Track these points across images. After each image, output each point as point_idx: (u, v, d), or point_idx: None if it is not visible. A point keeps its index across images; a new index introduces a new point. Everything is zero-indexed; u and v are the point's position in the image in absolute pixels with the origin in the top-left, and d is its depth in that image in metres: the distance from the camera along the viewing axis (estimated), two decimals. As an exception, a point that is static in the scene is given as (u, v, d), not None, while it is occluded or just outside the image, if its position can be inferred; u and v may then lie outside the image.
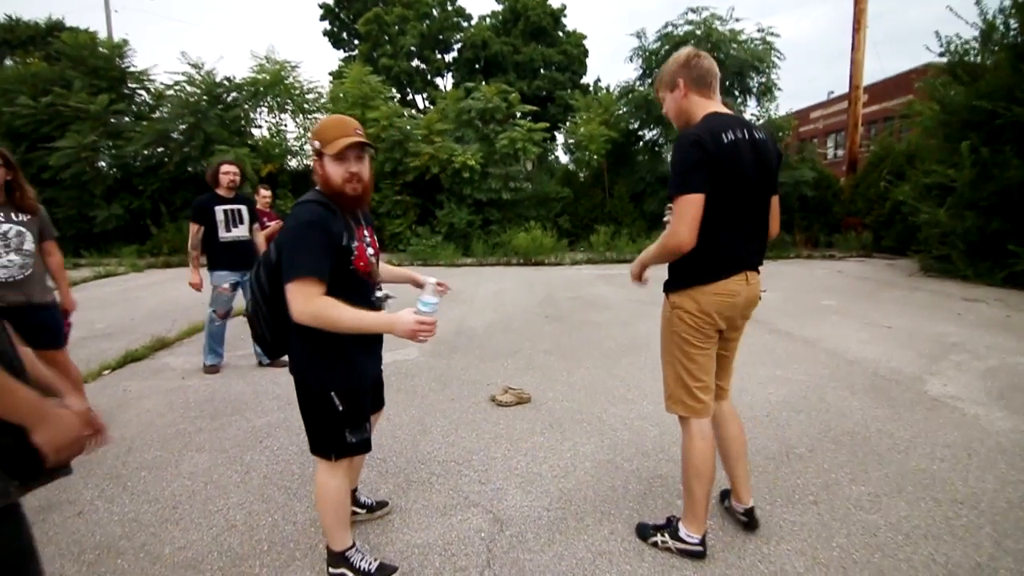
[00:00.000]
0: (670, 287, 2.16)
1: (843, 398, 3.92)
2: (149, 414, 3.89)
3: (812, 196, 14.72)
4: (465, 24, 28.67)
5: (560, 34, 28.89)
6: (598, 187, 16.64)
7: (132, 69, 16.11)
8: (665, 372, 2.26)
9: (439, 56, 28.52)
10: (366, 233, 1.97)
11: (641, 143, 17.35)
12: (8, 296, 2.99)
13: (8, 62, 17.94)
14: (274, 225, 5.54)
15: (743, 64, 15.27)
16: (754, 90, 16.05)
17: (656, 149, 17.02)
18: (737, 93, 16.09)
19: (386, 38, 26.91)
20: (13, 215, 3.06)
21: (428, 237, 14.35)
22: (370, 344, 2.03)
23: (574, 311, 7.20)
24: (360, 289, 1.90)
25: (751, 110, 16.17)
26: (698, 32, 15.49)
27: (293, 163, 16.46)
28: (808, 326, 6.10)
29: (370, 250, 1.96)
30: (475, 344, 5.60)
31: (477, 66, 26.86)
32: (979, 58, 9.82)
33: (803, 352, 5.10)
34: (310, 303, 1.69)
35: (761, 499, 2.59)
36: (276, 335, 1.97)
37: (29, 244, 3.09)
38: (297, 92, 16.22)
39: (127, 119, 15.36)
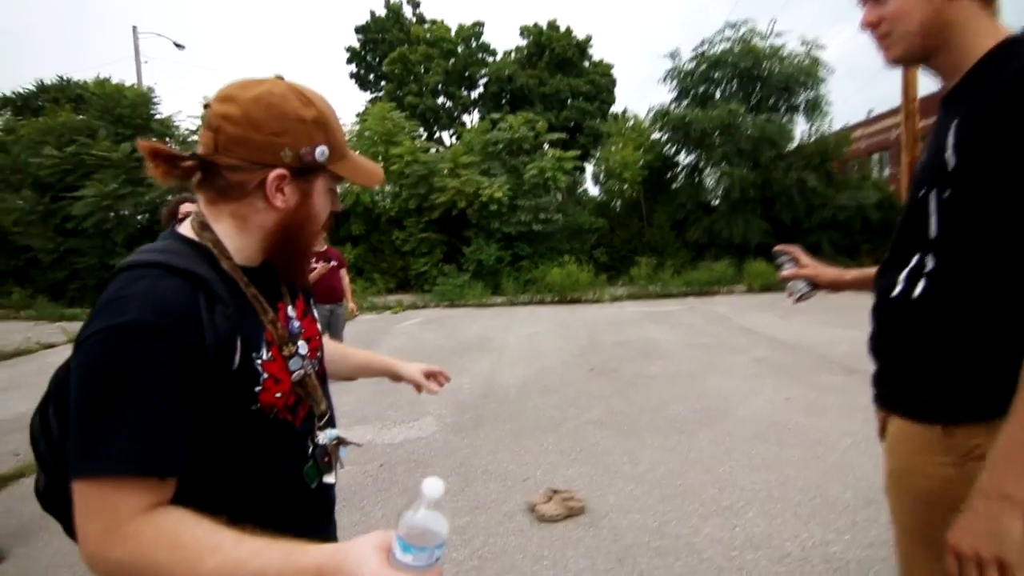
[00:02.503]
0: (951, 406, 1.01)
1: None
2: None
3: (877, 218, 13.30)
4: (490, 59, 28.48)
5: (586, 64, 28.38)
6: (635, 216, 15.58)
7: (158, 116, 16.05)
8: None
9: (465, 92, 28.29)
10: (292, 313, 0.92)
11: (679, 168, 16.31)
12: None
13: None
14: (321, 267, 4.66)
15: (789, 80, 14.21)
16: (801, 107, 14.90)
17: (695, 174, 15.91)
18: (783, 111, 14.97)
19: (411, 77, 26.84)
20: None
21: (455, 276, 13.44)
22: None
23: (623, 361, 6.03)
24: (277, 446, 0.86)
25: (800, 128, 14.99)
26: (737, 48, 14.52)
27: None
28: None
29: (301, 347, 0.90)
30: (506, 412, 4.49)
31: (503, 100, 26.44)
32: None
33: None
34: (116, 536, 0.66)
35: None
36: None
37: None
38: (319, 131, 15.82)
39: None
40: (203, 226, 0.82)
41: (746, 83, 15.19)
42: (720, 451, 3.49)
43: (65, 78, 19.31)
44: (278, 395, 0.83)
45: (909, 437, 1.14)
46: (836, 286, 1.50)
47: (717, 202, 14.92)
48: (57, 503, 0.83)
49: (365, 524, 2.79)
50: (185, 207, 3.56)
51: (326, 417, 0.95)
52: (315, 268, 4.71)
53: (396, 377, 1.35)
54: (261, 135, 0.77)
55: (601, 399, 4.70)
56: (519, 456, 3.57)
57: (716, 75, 15.37)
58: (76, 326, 10.40)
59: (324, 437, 0.93)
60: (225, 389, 0.75)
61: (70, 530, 0.77)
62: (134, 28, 19.15)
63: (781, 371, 5.29)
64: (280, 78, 0.84)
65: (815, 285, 1.50)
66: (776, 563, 2.31)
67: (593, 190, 20.54)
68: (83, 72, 44.82)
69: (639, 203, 15.58)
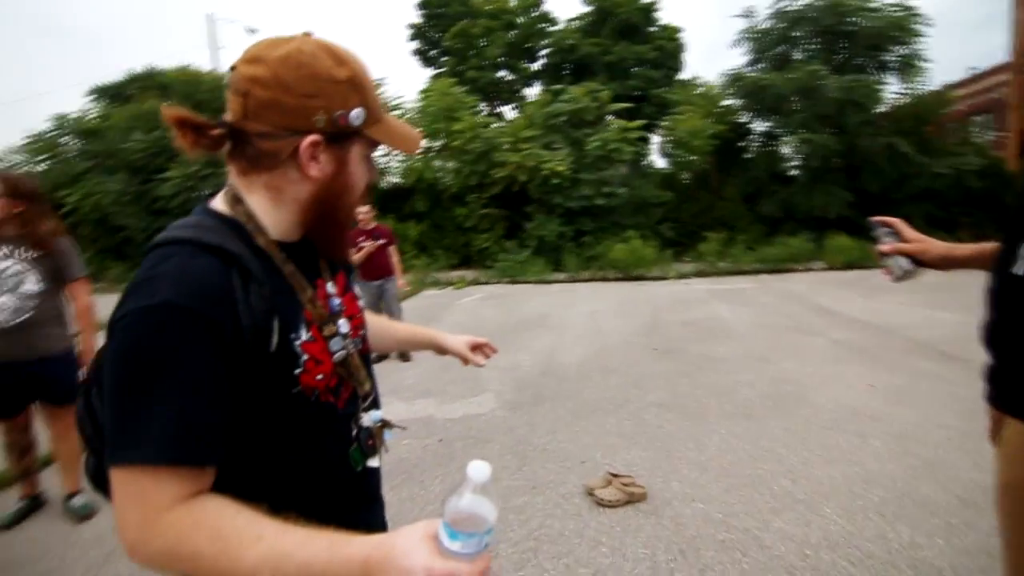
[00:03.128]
0: None
1: None
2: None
3: (979, 188, 12.01)
4: (552, 29, 27.77)
5: (652, 30, 27.13)
6: (704, 189, 14.88)
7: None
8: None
9: (526, 64, 27.80)
10: (332, 289, 0.87)
11: (752, 136, 15.36)
12: (1, 346, 2.46)
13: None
14: (369, 246, 4.78)
15: (879, 35, 12.95)
16: (893, 65, 13.57)
17: (771, 143, 14.93)
18: (872, 70, 13.71)
19: (472, 51, 26.64)
20: (20, 251, 2.52)
21: (516, 252, 13.37)
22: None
23: (689, 341, 5.79)
24: (320, 429, 0.82)
25: (891, 88, 13.67)
26: (819, 2, 13.35)
27: (383, 184, 16.25)
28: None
29: (343, 325, 0.86)
30: (566, 391, 4.41)
31: (565, 71, 25.78)
32: None
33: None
34: (156, 526, 0.63)
35: None
36: None
37: (30, 285, 2.53)
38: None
39: (228, 147, 15.99)
40: (236, 199, 0.78)
41: (830, 41, 13.99)
42: (794, 440, 3.27)
43: (151, 67, 20.56)
44: (319, 377, 0.79)
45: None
46: (946, 263, 1.29)
47: (795, 172, 13.94)
48: (106, 483, 0.77)
49: (424, 498, 2.82)
50: None
51: (370, 398, 0.90)
52: (363, 246, 4.78)
53: (441, 350, 1.30)
54: (292, 98, 0.71)
55: (665, 380, 4.54)
56: (578, 437, 3.50)
57: (796, 34, 14.24)
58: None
59: (368, 419, 0.89)
60: (263, 372, 0.72)
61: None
62: (209, 16, 19.99)
63: (864, 355, 4.91)
64: (308, 35, 0.77)
65: (919, 262, 1.30)
66: (856, 565, 2.13)
67: (660, 162, 19.81)
68: (167, 60, 47.58)
69: (709, 175, 14.84)
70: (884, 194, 12.63)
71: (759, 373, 4.57)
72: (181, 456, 0.64)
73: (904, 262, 1.28)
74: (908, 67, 13.37)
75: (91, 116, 17.33)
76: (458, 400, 4.27)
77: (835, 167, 12.83)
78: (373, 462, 0.90)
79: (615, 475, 2.82)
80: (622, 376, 4.71)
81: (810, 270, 11.09)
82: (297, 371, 0.75)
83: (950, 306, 6.46)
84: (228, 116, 0.75)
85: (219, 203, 0.80)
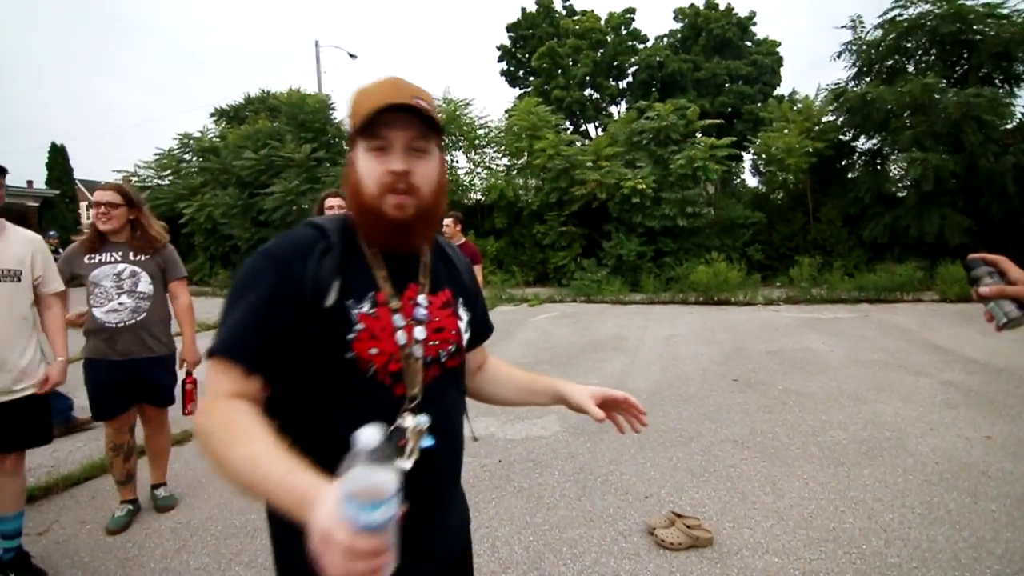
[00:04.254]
0: None
1: None
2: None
3: None
4: (640, 47, 27.50)
5: (748, 44, 26.16)
6: (799, 210, 13.96)
7: (335, 120, 18.00)
8: None
9: (613, 83, 27.68)
10: (422, 300, 0.97)
11: (856, 155, 14.27)
12: (118, 344, 2.69)
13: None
14: None
15: (1008, 44, 11.65)
16: (1024, 75, 12.16)
17: (876, 161, 13.79)
18: (999, 82, 12.36)
19: (559, 70, 26.91)
20: (131, 255, 2.78)
21: (593, 270, 13.18)
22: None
23: (774, 374, 5.39)
24: (369, 406, 0.88)
25: (1022, 102, 12.24)
26: (938, 10, 12.25)
27: (464, 201, 16.67)
28: None
29: (419, 332, 0.94)
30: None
31: (653, 88, 25.39)
32: None
33: None
34: (208, 407, 0.82)
35: None
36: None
37: (145, 286, 2.79)
38: (468, 128, 16.48)
39: (326, 164, 17.03)
40: None
41: (949, 52, 12.76)
42: (889, 494, 2.92)
43: (265, 91, 22.50)
44: (373, 351, 0.88)
45: None
46: None
47: (903, 194, 12.75)
48: None
49: (477, 520, 2.77)
50: (329, 201, 3.86)
51: (415, 402, 0.92)
52: None
53: (568, 405, 1.17)
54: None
55: (744, 415, 4.24)
56: (643, 470, 3.33)
57: (908, 44, 13.13)
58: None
59: (412, 420, 0.91)
60: (318, 325, 0.86)
61: None
62: (316, 42, 21.57)
63: (981, 401, 4.34)
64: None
65: None
66: (960, 651, 1.84)
67: (752, 181, 18.89)
68: (280, 84, 51.83)
69: (805, 195, 13.93)
70: (1011, 219, 11.25)
71: (852, 414, 4.15)
72: (230, 353, 0.84)
73: (1011, 307, 1.08)
74: (1043, 79, 11.91)
75: (210, 135, 19.17)
76: (522, 420, 4.22)
77: (951, 189, 11.60)
78: (402, 462, 0.89)
79: (679, 515, 2.64)
80: (696, 407, 4.46)
81: (919, 301, 10.05)
82: (350, 336, 0.87)
83: (1094, 350, 5.59)
84: None
85: None
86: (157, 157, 18.62)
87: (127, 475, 2.85)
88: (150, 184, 18.70)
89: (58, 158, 28.82)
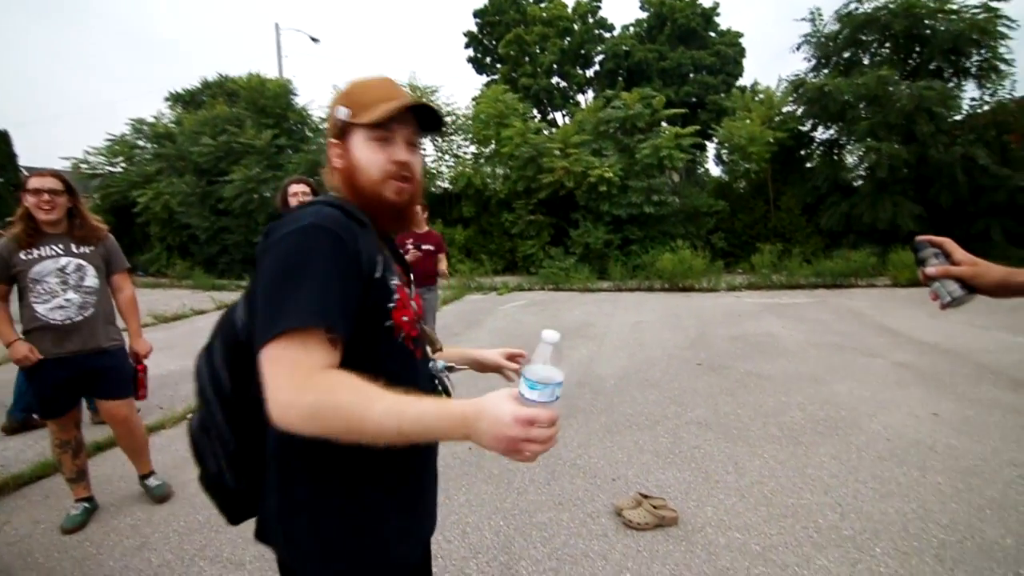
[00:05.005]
0: None
1: None
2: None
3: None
4: (607, 36, 27.55)
5: (712, 35, 26.48)
6: (760, 199, 14.32)
7: (298, 106, 17.50)
8: None
9: (580, 71, 27.69)
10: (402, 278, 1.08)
11: (814, 145, 14.68)
12: (66, 342, 2.56)
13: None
14: (411, 255, 4.72)
15: (958, 39, 12.12)
16: (973, 70, 12.68)
17: (833, 151, 14.23)
18: (947, 76, 12.86)
19: (526, 58, 26.75)
20: (73, 247, 2.62)
21: (561, 259, 13.26)
22: (418, 489, 1.04)
23: (736, 357, 5.54)
24: (408, 369, 0.99)
25: (970, 95, 12.77)
26: (892, 5, 12.64)
27: (432, 189, 16.49)
28: None
29: (413, 304, 1.05)
30: (601, 404, 4.30)
31: (619, 77, 25.50)
32: None
33: None
34: (307, 383, 0.78)
35: None
36: (246, 475, 1.00)
37: (91, 279, 2.66)
38: (435, 115, 16.28)
39: (288, 151, 16.57)
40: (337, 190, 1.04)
41: (902, 46, 13.20)
42: (844, 470, 3.05)
43: (224, 75, 21.67)
44: (405, 318, 0.96)
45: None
46: (1003, 291, 1.13)
47: (859, 183, 13.20)
48: (203, 434, 0.99)
49: (447, 507, 2.78)
50: (293, 188, 3.76)
51: (434, 350, 1.15)
52: (408, 249, 4.78)
53: (480, 366, 1.33)
54: (335, 105, 1.00)
55: (707, 398, 4.35)
56: (610, 453, 3.39)
57: (864, 37, 13.53)
58: (225, 295, 11.65)
59: (436, 367, 1.10)
60: (370, 294, 0.90)
61: (212, 484, 1.02)
62: (276, 25, 20.90)
63: (929, 380, 4.55)
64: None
65: (971, 288, 1.15)
66: (908, 615, 1.94)
67: (715, 170, 19.24)
68: (238, 68, 49.97)
69: (766, 184, 14.29)
70: (958, 207, 11.79)
71: (810, 395, 4.31)
72: (321, 318, 0.79)
73: (953, 287, 1.13)
74: (989, 72, 12.44)
75: (165, 121, 18.40)
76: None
77: (904, 178, 12.07)
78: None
79: (646, 496, 2.70)
80: (662, 391, 4.55)
81: (873, 286, 10.46)
82: (390, 305, 0.93)
83: (1031, 331, 5.93)
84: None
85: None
86: (109, 143, 17.78)
87: (78, 472, 2.75)
88: (101, 172, 17.85)
89: (0, 144, 27.28)
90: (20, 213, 2.57)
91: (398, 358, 0.96)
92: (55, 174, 2.62)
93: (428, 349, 1.10)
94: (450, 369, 1.14)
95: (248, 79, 17.29)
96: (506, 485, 3.02)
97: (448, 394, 1.08)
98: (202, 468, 1.02)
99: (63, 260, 2.59)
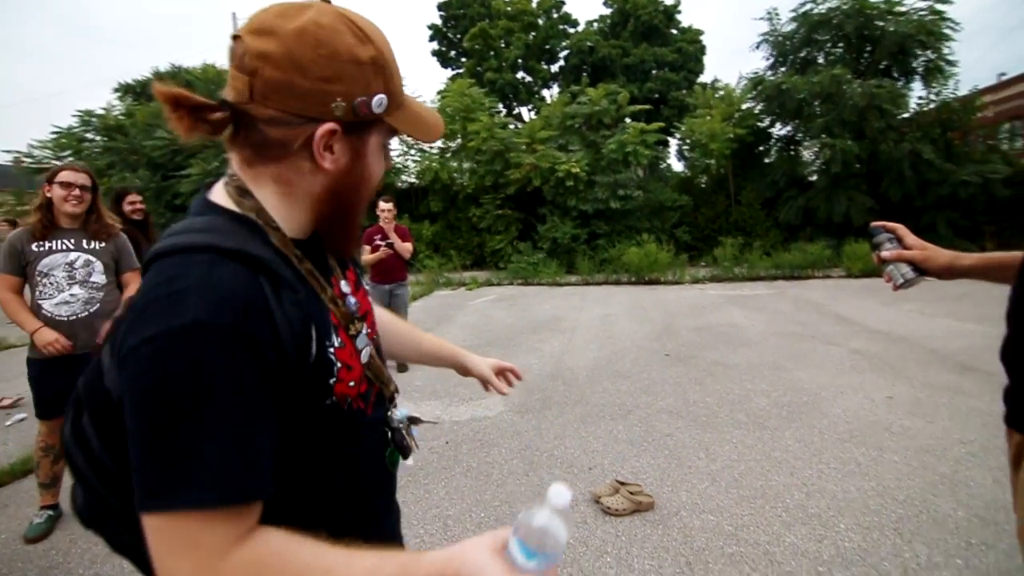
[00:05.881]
0: None
1: None
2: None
3: (1005, 196, 11.71)
4: (572, 31, 27.71)
5: (674, 32, 26.95)
6: (721, 193, 14.70)
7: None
8: None
9: (545, 66, 27.78)
10: (346, 288, 0.80)
11: (772, 141, 15.15)
12: (72, 340, 2.49)
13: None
14: (382, 251, 4.75)
15: (905, 40, 12.68)
16: (919, 70, 13.30)
17: (791, 148, 14.71)
18: (896, 75, 13.44)
19: (491, 52, 26.67)
20: (84, 242, 2.57)
21: (530, 253, 13.34)
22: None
23: (702, 348, 5.70)
24: (355, 439, 0.77)
25: (917, 94, 13.39)
26: (845, 7, 13.13)
27: (398, 184, 16.29)
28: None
29: (364, 331, 0.80)
30: (575, 395, 4.36)
31: (584, 73, 25.71)
32: None
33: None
34: (222, 570, 0.56)
35: None
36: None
37: (98, 276, 2.60)
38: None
39: (247, 145, 16.12)
40: (242, 192, 0.68)
41: (854, 45, 13.74)
42: (808, 452, 3.19)
43: (177, 66, 20.89)
44: (351, 384, 0.73)
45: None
46: (950, 273, 1.23)
47: (815, 178, 13.71)
48: (100, 520, 0.73)
49: (427, 501, 2.79)
50: (129, 197, 3.79)
51: (395, 398, 0.87)
52: (379, 245, 4.75)
53: (464, 371, 1.20)
54: (308, 81, 0.62)
55: (676, 387, 4.46)
56: (586, 443, 3.45)
57: (819, 37, 14.02)
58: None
59: (396, 419, 0.85)
60: (302, 385, 0.65)
61: (132, 553, 0.72)
62: (233, 15, 20.24)
63: (883, 366, 4.79)
64: (327, 1, 0.67)
65: (921, 270, 1.25)
66: (871, 585, 2.06)
67: (677, 166, 19.64)
68: (193, 59, 48.26)
69: (727, 179, 14.67)
70: (906, 201, 12.37)
71: (773, 382, 4.48)
72: (234, 495, 0.56)
73: (906, 269, 1.24)
74: (934, 72, 13.08)
75: (115, 113, 17.63)
76: (466, 403, 4.25)
77: (856, 173, 12.59)
78: (408, 461, 0.87)
79: (622, 483, 2.77)
80: (632, 382, 4.65)
81: (829, 277, 10.90)
82: (332, 380, 0.69)
83: (973, 317, 6.29)
84: (230, 95, 0.64)
85: (221, 197, 0.69)
86: (55, 136, 16.93)
87: (53, 478, 2.67)
88: (47, 165, 16.99)
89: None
90: (39, 203, 2.51)
91: (349, 429, 0.74)
92: (85, 169, 2.58)
93: (386, 389, 0.84)
94: (413, 421, 0.90)
95: (204, 70, 16.74)
96: (485, 478, 3.05)
97: (405, 455, 0.85)
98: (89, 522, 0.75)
99: (72, 255, 2.54)
